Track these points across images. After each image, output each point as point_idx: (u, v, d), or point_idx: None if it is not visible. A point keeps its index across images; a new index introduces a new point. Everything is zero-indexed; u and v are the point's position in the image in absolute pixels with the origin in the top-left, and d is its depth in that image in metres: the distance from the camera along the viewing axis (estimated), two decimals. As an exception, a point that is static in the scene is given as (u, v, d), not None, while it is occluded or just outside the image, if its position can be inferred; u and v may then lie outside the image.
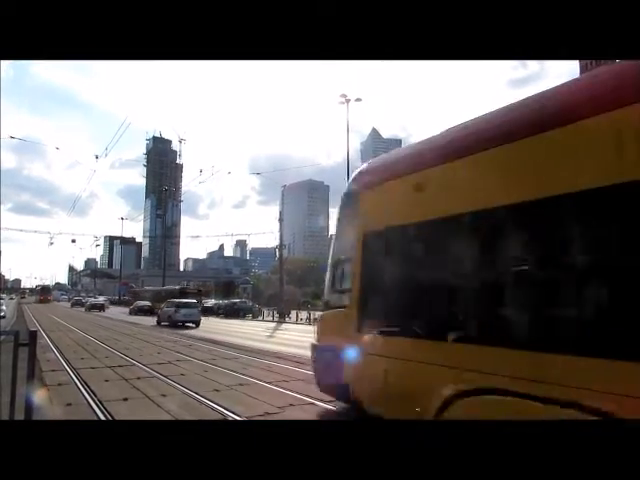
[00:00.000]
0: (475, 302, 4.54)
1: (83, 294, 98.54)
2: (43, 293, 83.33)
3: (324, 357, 6.90)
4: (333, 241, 7.36)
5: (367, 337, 5.70)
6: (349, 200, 6.68)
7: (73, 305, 66.56)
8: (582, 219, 3.91)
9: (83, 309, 55.36)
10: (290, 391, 8.99)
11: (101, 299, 63.79)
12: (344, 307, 6.33)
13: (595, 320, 3.69)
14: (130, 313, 46.25)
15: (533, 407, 3.63)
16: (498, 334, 4.16)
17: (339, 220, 7.04)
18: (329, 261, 7.22)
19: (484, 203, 4.42)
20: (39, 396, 7.00)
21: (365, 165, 6.87)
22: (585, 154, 3.79)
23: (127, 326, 29.18)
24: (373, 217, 5.99)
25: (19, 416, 4.48)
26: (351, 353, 5.85)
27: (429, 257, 5.22)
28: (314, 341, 7.34)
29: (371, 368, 5.52)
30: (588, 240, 3.86)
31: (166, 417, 7.03)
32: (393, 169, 5.92)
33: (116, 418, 6.99)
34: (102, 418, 7.03)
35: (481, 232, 4.57)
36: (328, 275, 7.15)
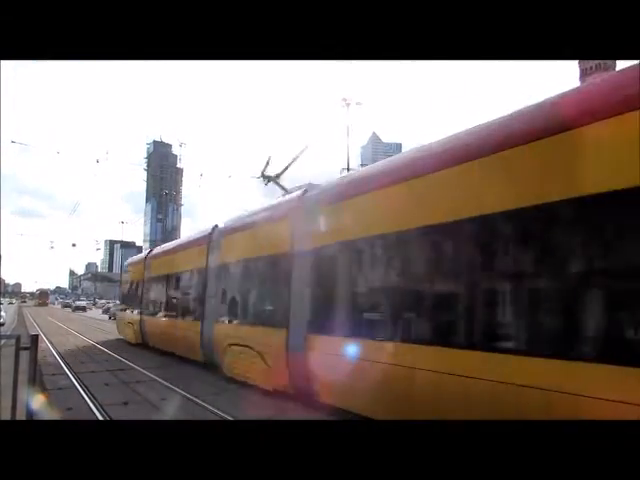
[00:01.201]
0: (146, 300, 18.04)
1: (83, 297, 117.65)
2: (41, 297, 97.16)
3: (117, 321, 23.63)
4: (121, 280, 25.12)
5: (121, 312, 22.40)
6: (125, 268, 24.56)
7: (63, 307, 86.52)
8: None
9: (70, 310, 71.99)
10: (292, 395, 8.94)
11: (84, 302, 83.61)
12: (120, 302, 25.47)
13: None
14: (103, 312, 58.12)
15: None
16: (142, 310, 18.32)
17: (123, 275, 24.30)
18: (119, 286, 26.39)
19: (165, 272, 16.46)
20: (40, 400, 6.97)
21: (127, 261, 24.66)
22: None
23: (91, 319, 43.40)
24: (126, 275, 22.85)
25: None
26: (118, 317, 23.94)
27: (138, 288, 18.97)
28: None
29: (121, 323, 21.69)
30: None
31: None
32: (132, 265, 22.00)
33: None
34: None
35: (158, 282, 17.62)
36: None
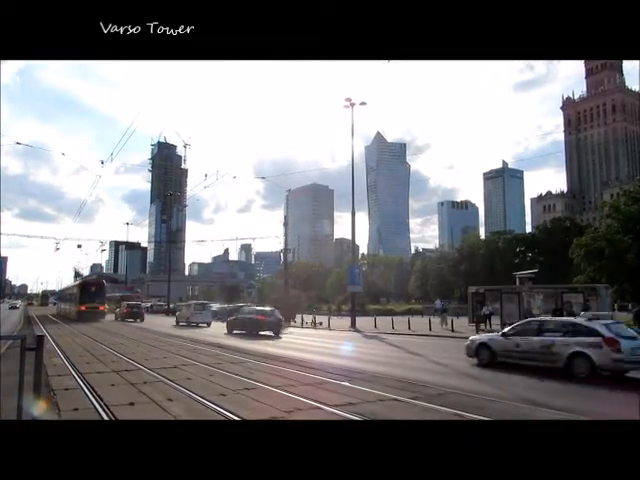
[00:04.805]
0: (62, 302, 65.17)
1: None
2: (43, 299, 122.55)
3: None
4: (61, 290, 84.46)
5: (57, 306, 73.37)
6: (61, 291, 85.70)
7: (55, 304, 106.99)
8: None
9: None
10: (297, 395, 8.96)
11: None
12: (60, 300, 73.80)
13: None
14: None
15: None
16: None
17: (63, 291, 74.93)
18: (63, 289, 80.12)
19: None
20: (45, 401, 7.00)
21: (63, 288, 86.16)
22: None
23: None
24: (62, 293, 75.38)
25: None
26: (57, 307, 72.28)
27: (61, 297, 70.95)
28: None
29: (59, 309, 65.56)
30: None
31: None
32: (65, 289, 73.27)
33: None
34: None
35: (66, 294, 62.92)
36: (63, 294, 71.60)
